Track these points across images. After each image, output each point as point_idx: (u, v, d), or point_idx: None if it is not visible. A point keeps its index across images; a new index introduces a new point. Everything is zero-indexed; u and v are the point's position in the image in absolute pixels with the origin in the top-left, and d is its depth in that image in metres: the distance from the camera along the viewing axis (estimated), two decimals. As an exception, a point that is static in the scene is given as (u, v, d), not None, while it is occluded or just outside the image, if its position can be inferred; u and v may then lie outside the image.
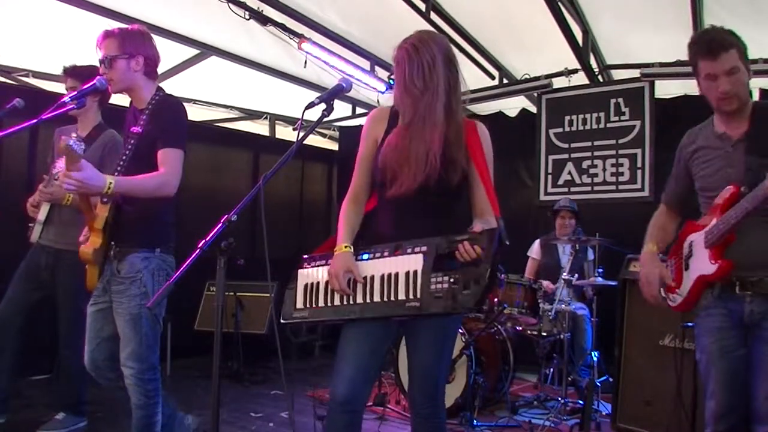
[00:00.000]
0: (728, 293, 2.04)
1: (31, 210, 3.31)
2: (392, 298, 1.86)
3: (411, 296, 1.83)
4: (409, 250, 1.89)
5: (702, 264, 2.07)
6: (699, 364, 2.16)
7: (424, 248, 1.85)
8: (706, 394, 2.12)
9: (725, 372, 2.04)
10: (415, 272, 1.84)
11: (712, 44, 2.02)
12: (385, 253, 1.94)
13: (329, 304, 2.01)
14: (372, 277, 1.93)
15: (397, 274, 1.87)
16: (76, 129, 3.33)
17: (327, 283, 2.02)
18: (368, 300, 1.92)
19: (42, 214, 3.29)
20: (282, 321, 2.12)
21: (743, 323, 2.02)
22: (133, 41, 2.53)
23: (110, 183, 2.31)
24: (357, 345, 2.01)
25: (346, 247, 2.00)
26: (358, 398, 1.99)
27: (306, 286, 2.09)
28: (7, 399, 3.32)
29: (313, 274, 2.08)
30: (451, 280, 1.76)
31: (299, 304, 2.09)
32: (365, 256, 1.98)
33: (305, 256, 2.14)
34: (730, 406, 2.03)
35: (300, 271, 2.12)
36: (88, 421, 3.44)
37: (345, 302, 1.97)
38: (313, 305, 2.05)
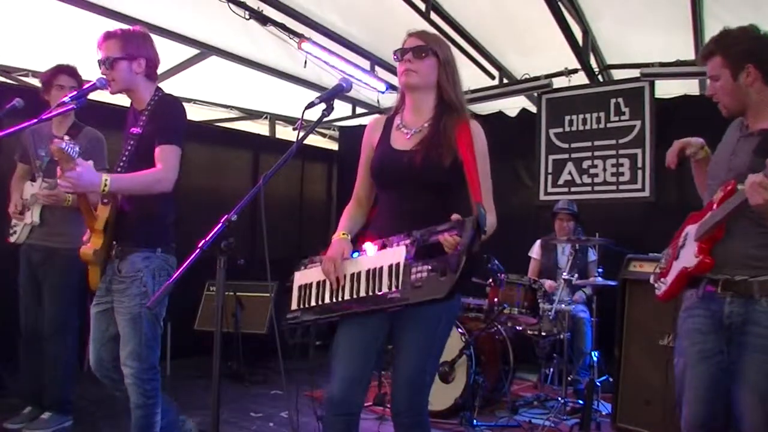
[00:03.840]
0: (711, 294, 1.96)
1: (15, 216, 3.38)
2: (376, 292, 1.88)
3: (393, 288, 1.84)
4: (393, 245, 1.91)
5: (688, 256, 2.02)
6: (675, 367, 2.07)
7: (407, 241, 1.87)
8: (679, 400, 2.02)
9: (703, 378, 1.94)
10: (397, 265, 1.85)
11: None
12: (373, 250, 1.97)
13: (319, 303, 2.03)
14: (359, 273, 1.95)
15: (381, 268, 1.89)
16: (51, 128, 3.34)
17: (318, 283, 2.05)
18: (355, 296, 1.94)
19: (35, 217, 3.31)
20: (282, 325, 2.17)
21: (723, 325, 1.93)
22: (135, 43, 2.53)
23: (106, 180, 2.33)
24: (349, 346, 2.02)
25: (343, 234, 2.08)
26: (352, 401, 1.99)
27: (300, 287, 2.13)
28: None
29: (306, 275, 2.12)
30: (430, 267, 1.77)
31: (293, 306, 2.13)
32: (355, 255, 2.01)
33: (303, 260, 2.17)
34: (708, 416, 1.93)
35: (296, 273, 2.16)
36: (88, 421, 3.44)
37: (334, 300, 1.99)
38: (305, 305, 2.09)
